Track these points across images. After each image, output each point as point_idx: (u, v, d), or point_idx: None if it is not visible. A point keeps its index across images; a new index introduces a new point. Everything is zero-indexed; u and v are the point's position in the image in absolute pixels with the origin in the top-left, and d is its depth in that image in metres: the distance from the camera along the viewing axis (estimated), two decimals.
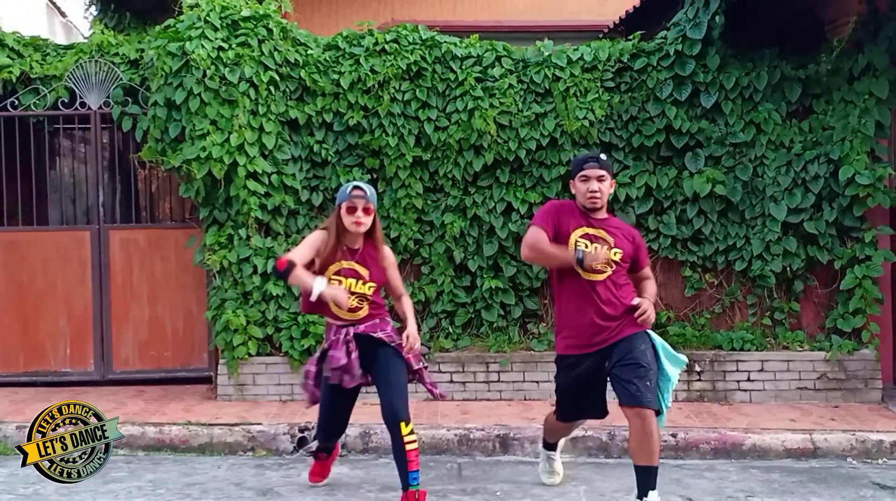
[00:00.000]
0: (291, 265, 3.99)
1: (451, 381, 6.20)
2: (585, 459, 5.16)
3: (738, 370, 6.15)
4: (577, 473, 4.84)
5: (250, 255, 6.07)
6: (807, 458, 5.19)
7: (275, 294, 6.06)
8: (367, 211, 4.11)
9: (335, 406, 4.34)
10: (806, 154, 6.22)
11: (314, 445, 5.20)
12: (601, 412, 4.28)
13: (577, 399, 4.22)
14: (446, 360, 6.22)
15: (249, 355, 6.12)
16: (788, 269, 6.28)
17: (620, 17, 8.34)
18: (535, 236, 4.09)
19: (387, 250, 4.34)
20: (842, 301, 6.23)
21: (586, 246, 4.04)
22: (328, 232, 4.18)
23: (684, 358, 4.17)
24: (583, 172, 4.11)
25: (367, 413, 5.67)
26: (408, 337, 4.15)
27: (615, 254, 4.07)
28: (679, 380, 6.08)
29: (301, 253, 4.11)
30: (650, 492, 3.93)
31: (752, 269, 6.29)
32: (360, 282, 4.14)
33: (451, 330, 6.40)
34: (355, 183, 4.20)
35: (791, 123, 6.34)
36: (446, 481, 4.72)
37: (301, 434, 5.31)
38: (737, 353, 6.17)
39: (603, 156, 4.20)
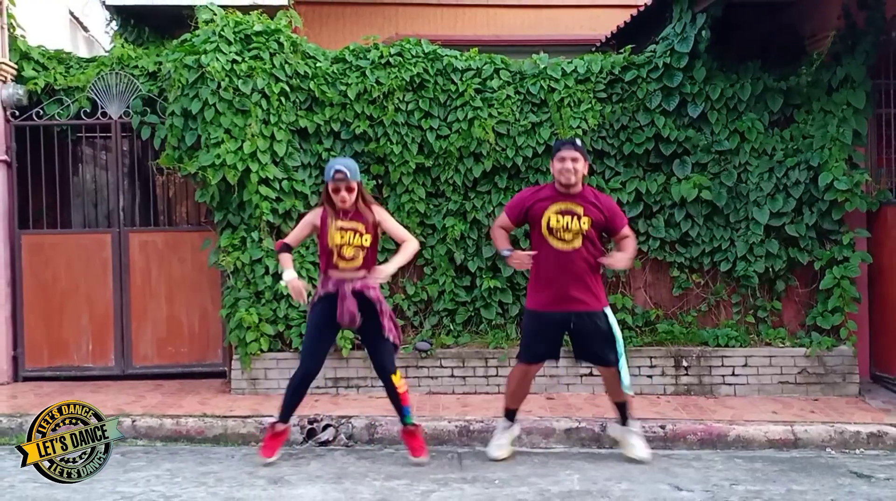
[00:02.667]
0: (282, 248, 4.70)
1: (452, 375, 6.22)
2: (579, 449, 5.16)
3: (723, 366, 6.16)
4: (571, 462, 4.84)
5: (262, 256, 6.08)
6: (788, 448, 5.19)
7: (285, 293, 6.06)
8: (349, 190, 4.57)
9: (316, 342, 4.72)
10: (787, 161, 6.24)
11: (324, 436, 5.24)
12: (556, 357, 4.84)
13: (540, 342, 4.73)
14: (447, 356, 6.23)
15: (261, 351, 6.13)
16: (771, 270, 6.30)
17: (612, 32, 8.34)
18: (497, 222, 4.85)
19: (376, 208, 4.75)
20: (821, 300, 6.24)
21: (557, 221, 4.55)
22: (323, 205, 4.68)
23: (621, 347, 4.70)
24: (559, 154, 4.59)
25: (372, 406, 5.70)
26: (376, 270, 4.63)
27: (584, 223, 4.55)
28: (667, 375, 6.19)
29: (296, 235, 4.78)
30: (630, 422, 4.87)
31: (737, 270, 6.31)
32: (357, 235, 4.59)
33: (451, 327, 6.41)
34: (337, 166, 4.57)
35: (773, 132, 6.35)
36: (447, 469, 4.72)
37: (310, 426, 5.30)
38: (722, 349, 6.18)
39: (578, 141, 4.65)
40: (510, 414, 4.93)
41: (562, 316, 4.60)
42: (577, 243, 4.56)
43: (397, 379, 4.70)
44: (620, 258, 4.62)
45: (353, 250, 4.59)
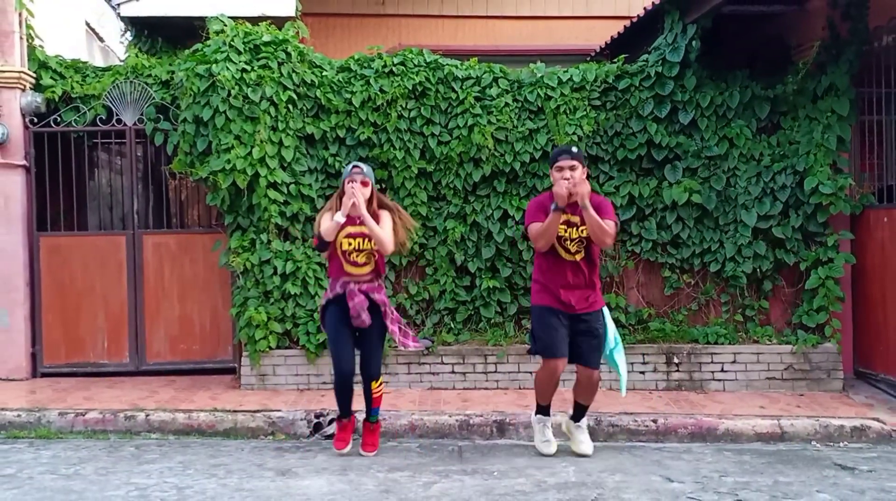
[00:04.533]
0: (319, 235, 4.56)
1: (453, 372, 6.23)
2: None
3: (712, 362, 6.16)
4: (568, 455, 4.85)
5: (271, 257, 6.09)
6: (775, 442, 5.20)
7: (293, 293, 6.08)
8: (364, 184, 4.53)
9: (341, 345, 4.62)
10: (774, 166, 6.24)
11: (330, 429, 5.25)
12: (568, 356, 4.61)
13: (553, 332, 4.55)
14: (448, 353, 6.23)
15: (270, 348, 6.14)
16: (758, 270, 6.30)
17: (606, 42, 8.36)
18: (536, 229, 4.48)
19: (384, 213, 4.65)
20: (807, 299, 6.24)
21: (565, 231, 4.46)
22: (333, 205, 4.63)
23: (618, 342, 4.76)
24: (557, 164, 4.45)
25: None
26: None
27: (583, 231, 4.44)
28: (659, 371, 6.19)
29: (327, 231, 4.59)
30: (582, 419, 4.83)
31: (726, 270, 6.31)
32: (367, 240, 4.54)
33: (452, 326, 6.42)
34: (355, 162, 4.67)
35: (761, 138, 6.36)
36: (448, 462, 4.73)
37: (317, 420, 5.32)
38: (711, 346, 6.18)
39: (574, 149, 4.49)
40: (542, 410, 4.86)
41: (564, 313, 4.54)
42: (581, 254, 4.51)
43: (376, 385, 4.68)
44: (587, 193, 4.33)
45: (366, 255, 4.56)
